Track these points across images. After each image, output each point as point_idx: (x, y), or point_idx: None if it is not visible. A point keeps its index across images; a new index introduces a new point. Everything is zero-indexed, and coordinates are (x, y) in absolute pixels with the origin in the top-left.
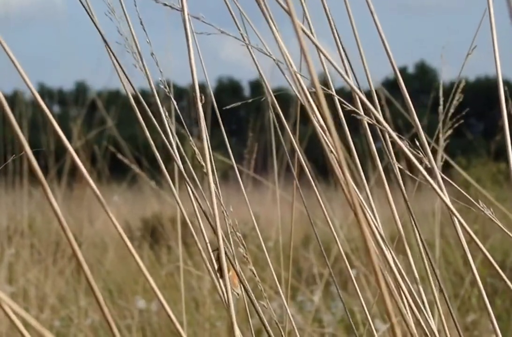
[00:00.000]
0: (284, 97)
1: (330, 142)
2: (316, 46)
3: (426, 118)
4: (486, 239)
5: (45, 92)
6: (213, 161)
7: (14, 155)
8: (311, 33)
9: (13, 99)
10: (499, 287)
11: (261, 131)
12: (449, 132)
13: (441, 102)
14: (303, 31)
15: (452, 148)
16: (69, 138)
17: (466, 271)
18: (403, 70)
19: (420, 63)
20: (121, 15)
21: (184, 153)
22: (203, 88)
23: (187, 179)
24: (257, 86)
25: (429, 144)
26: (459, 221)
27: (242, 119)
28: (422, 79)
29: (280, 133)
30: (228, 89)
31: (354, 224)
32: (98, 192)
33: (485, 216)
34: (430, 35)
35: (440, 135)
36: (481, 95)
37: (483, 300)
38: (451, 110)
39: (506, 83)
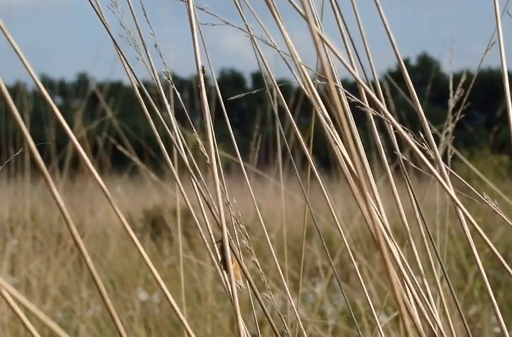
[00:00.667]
0: (285, 89)
1: (335, 133)
2: (321, 37)
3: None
4: (488, 232)
5: (46, 83)
6: (217, 152)
7: (15, 147)
8: (316, 23)
9: (15, 90)
10: (501, 280)
11: (263, 123)
12: (454, 124)
13: (451, 95)
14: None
15: (454, 140)
16: (71, 129)
17: (468, 263)
18: (405, 62)
19: (423, 55)
20: (123, 8)
21: (186, 145)
22: (206, 80)
23: (190, 170)
24: (259, 78)
25: (435, 136)
26: (463, 213)
27: (244, 111)
28: (424, 71)
29: (280, 125)
30: (230, 81)
31: (357, 217)
32: (101, 182)
33: (487, 208)
34: (432, 28)
35: (449, 128)
36: (483, 87)
37: (485, 293)
38: (452, 104)
39: (510, 75)
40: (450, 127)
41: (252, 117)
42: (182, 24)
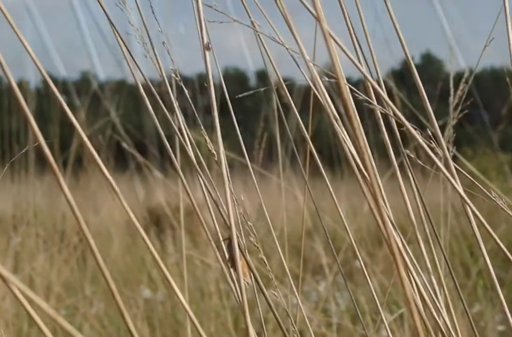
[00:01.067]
0: (287, 87)
1: (344, 131)
2: (330, 35)
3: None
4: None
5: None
6: (223, 150)
7: (19, 145)
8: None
9: (18, 88)
10: (505, 278)
11: (266, 120)
12: (454, 121)
13: (451, 92)
14: (316, 18)
15: (458, 139)
16: (73, 128)
17: (472, 261)
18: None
19: (426, 54)
20: (130, 5)
21: (192, 140)
22: (207, 80)
23: (196, 165)
24: (262, 76)
25: (441, 134)
26: (471, 208)
27: (248, 109)
28: (428, 70)
29: (286, 122)
30: (234, 79)
31: (360, 214)
32: (108, 175)
33: (490, 206)
34: (435, 26)
35: (450, 125)
36: (487, 85)
37: (488, 291)
38: (456, 101)
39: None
40: (451, 125)
41: (255, 114)
42: (183, 21)
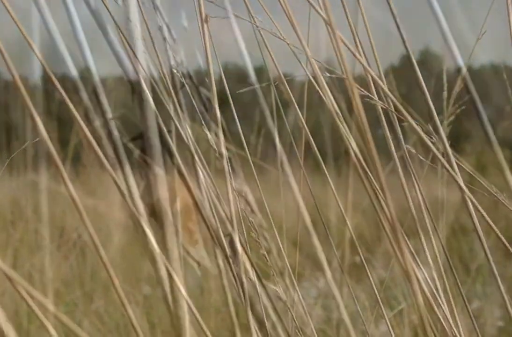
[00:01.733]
0: (287, 83)
1: (345, 127)
2: (342, 41)
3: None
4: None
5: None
6: (223, 141)
7: (18, 141)
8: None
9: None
10: (504, 274)
11: (264, 116)
12: (453, 117)
13: (445, 89)
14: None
15: (457, 135)
16: (72, 124)
17: (471, 258)
18: (407, 57)
19: (425, 50)
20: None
21: (191, 136)
22: (209, 74)
23: (200, 163)
24: (261, 73)
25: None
26: (472, 202)
27: (246, 105)
28: (426, 66)
29: (285, 117)
30: (233, 75)
31: (361, 211)
32: (112, 172)
33: (489, 203)
34: (434, 22)
35: (446, 120)
36: (485, 81)
37: (488, 287)
38: (453, 97)
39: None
40: (447, 120)
41: (252, 110)
42: (181, 18)
